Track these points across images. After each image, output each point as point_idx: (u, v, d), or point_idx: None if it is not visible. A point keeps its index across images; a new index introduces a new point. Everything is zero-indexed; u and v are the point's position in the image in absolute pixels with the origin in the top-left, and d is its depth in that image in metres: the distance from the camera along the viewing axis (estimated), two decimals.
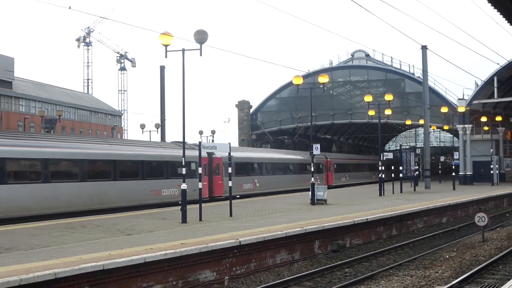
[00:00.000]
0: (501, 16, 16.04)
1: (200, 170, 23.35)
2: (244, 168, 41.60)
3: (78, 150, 27.65)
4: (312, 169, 32.52)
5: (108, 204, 27.18)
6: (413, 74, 65.45)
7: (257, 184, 42.83)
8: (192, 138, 58.05)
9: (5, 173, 23.08)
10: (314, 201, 30.04)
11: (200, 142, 25.32)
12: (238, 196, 36.91)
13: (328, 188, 50.72)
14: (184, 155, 22.16)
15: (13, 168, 24.00)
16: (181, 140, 22.82)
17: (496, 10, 15.43)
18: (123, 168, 29.72)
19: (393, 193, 39.97)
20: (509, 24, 17.01)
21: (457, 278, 15.04)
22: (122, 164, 29.46)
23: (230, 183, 25.73)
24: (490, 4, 14.85)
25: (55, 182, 25.19)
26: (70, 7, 22.05)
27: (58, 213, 23.88)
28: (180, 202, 22.10)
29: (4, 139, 24.62)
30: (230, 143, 25.47)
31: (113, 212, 25.52)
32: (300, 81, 32.38)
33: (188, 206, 21.91)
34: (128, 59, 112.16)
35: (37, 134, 37.19)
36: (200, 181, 23.19)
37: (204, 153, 31.24)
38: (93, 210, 25.72)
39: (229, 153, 25.71)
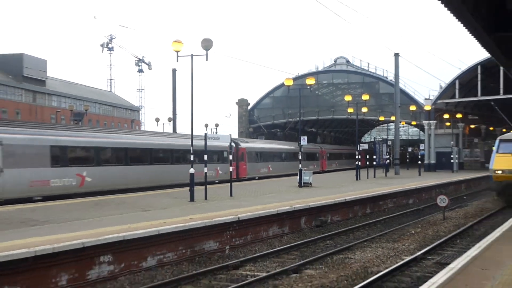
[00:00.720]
0: (464, 27, 15.96)
1: (205, 157, 23.41)
2: (261, 156, 44.48)
3: (146, 141, 30.89)
4: (300, 157, 32.71)
5: (165, 182, 29.80)
6: (386, 77, 65.45)
7: (271, 169, 45.17)
8: (198, 130, 58.13)
9: (100, 158, 26.27)
10: (301, 184, 30.19)
11: (205, 134, 25.40)
12: (257, 178, 40.32)
13: (322, 172, 52.31)
14: (192, 144, 22.31)
15: (104, 155, 26.87)
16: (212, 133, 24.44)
17: (460, 22, 15.39)
18: (177, 155, 32.19)
19: (367, 178, 40.15)
20: (472, 35, 16.93)
21: (421, 250, 15.20)
22: (176, 152, 32.21)
23: (230, 168, 25.85)
24: (455, 18, 14.84)
25: (132, 165, 28.34)
26: (95, 17, 22.11)
27: (131, 188, 26.77)
28: (216, 181, 23.53)
29: (97, 133, 28.61)
30: (231, 135, 25.60)
31: (168, 188, 28.23)
32: (290, 82, 32.56)
33: (198, 187, 21.99)
34: (145, 62, 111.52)
35: (119, 129, 41.32)
36: (205, 166, 23.26)
37: (232, 144, 34.48)
38: (155, 186, 28.44)
39: (230, 143, 25.83)
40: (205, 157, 23.35)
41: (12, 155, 21.21)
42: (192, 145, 22.28)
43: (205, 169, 23.12)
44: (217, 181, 31.52)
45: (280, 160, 48.23)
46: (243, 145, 41.04)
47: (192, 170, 21.87)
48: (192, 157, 22.43)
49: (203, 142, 23.47)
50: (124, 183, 26.91)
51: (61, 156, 23.97)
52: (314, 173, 40.98)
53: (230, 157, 26.60)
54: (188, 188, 21.94)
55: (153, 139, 32.19)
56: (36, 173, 22.34)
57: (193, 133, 22.82)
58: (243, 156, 40.22)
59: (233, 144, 36.14)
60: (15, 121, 38.71)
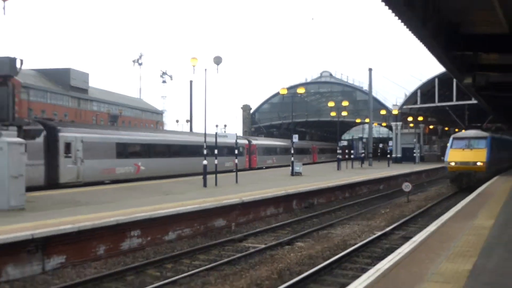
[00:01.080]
0: (426, 47, 15.83)
1: (216, 151, 23.36)
2: (268, 151, 46.14)
3: (184, 139, 32.64)
4: (292, 152, 32.64)
5: (196, 170, 29.70)
6: (362, 87, 65.24)
7: (274, 160, 46.29)
8: (210, 130, 58.10)
9: (151, 152, 27.71)
10: (293, 173, 30.13)
11: (216, 133, 25.34)
12: (264, 167, 42.19)
13: (313, 163, 53.14)
14: (205, 141, 22.27)
15: (153, 149, 28.16)
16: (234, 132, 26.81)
17: (423, 44, 15.26)
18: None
19: (346, 168, 40.05)
20: (432, 54, 16.80)
21: (389, 227, 15.19)
22: (209, 149, 32.82)
23: (236, 161, 25.80)
24: (419, 40, 14.76)
25: (173, 157, 29.68)
26: (127, 38, 22.03)
27: (173, 174, 27.71)
28: (234, 170, 24.36)
29: (148, 133, 30.39)
30: (236, 134, 25.76)
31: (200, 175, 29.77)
32: (285, 91, 32.76)
33: (210, 176, 21.94)
34: (167, 74, 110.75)
35: (166, 130, 44.55)
36: (216, 158, 23.23)
37: (246, 141, 40.12)
38: (195, 173, 28.83)
39: (236, 141, 25.79)
40: (215, 151, 23.32)
41: (90, 150, 22.76)
42: (205, 141, 22.31)
43: (216, 161, 23.08)
44: (234, 170, 32.48)
45: (282, 154, 48.84)
46: (254, 142, 42.39)
47: (205, 162, 21.85)
48: (205, 152, 22.42)
49: (226, 140, 24.38)
50: (168, 171, 27.97)
51: (123, 150, 25.39)
52: (307, 164, 41.79)
53: (236, 152, 26.53)
54: (211, 175, 22.02)
55: (189, 138, 34.09)
56: (106, 163, 23.91)
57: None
58: (254, 150, 41.63)
59: (246, 141, 39.78)
60: (90, 125, 41.51)
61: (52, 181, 20.42)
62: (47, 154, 20.51)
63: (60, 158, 21.07)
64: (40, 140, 20.32)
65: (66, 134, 21.70)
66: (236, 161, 25.81)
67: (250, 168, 38.97)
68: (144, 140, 27.93)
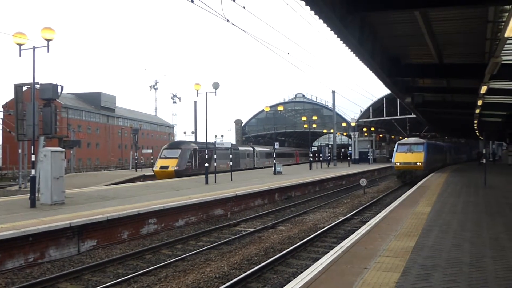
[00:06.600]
0: (374, 74, 15.97)
1: (215, 156, 23.09)
2: (301, 154, 58.84)
3: (281, 150, 45.24)
4: (274, 155, 32.53)
5: (264, 165, 42.07)
6: (327, 105, 65.37)
7: (303, 160, 57.52)
8: (210, 139, 58.02)
9: (276, 155, 34.33)
10: (275, 173, 29.98)
11: (215, 142, 25.19)
12: (263, 167, 46.47)
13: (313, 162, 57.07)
14: (207, 147, 21.96)
15: (276, 154, 34.89)
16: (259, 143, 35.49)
17: (372, 72, 15.39)
18: (264, 154, 44.30)
19: (317, 168, 40.06)
20: (379, 79, 16.94)
21: (350, 213, 15.18)
22: (266, 153, 44.48)
23: (230, 163, 25.61)
24: (369, 69, 14.83)
25: (280, 158, 42.99)
26: (146, 69, 21.86)
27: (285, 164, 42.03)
28: (243, 168, 33.23)
29: (270, 148, 41.88)
30: (231, 142, 25.54)
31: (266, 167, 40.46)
32: (268, 109, 32.57)
33: (211, 175, 21.72)
34: (177, 97, 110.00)
35: (268, 146, 52.73)
36: (215, 161, 23.00)
37: (295, 150, 55.21)
38: (259, 167, 41.07)
39: (230, 147, 25.57)
40: (215, 156, 23.12)
41: (259, 155, 41.09)
42: (206, 147, 22.06)
43: (214, 163, 22.86)
44: (243, 168, 39.31)
45: (304, 156, 58.57)
46: (296, 150, 57.28)
47: (206, 164, 21.64)
48: (206, 156, 22.20)
49: (287, 150, 29.59)
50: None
51: (267, 155, 38.72)
52: (306, 163, 45.90)
53: (230, 156, 26.35)
54: (213, 174, 21.79)
55: (284, 150, 48.54)
56: (263, 160, 40.76)
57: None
58: (297, 154, 54.26)
59: (295, 149, 54.97)
60: (260, 145, 50.54)
61: (253, 166, 36.36)
62: (252, 157, 37.81)
63: (255, 158, 38.37)
64: (251, 152, 37.29)
65: (255, 149, 38.07)
66: (230, 163, 25.63)
67: (296, 163, 50.83)
68: (270, 151, 42.57)
